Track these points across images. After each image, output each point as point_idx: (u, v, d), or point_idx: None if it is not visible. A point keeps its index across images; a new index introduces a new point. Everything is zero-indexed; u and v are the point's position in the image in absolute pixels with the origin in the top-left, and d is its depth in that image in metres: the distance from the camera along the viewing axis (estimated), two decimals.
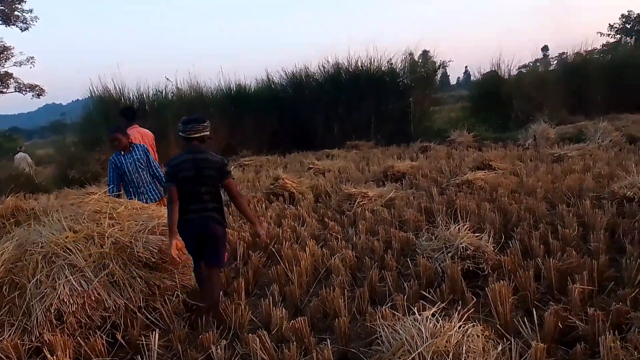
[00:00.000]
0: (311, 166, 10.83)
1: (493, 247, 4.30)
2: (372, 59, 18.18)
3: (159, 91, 17.24)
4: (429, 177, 8.31)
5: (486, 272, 3.98)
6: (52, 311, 3.44)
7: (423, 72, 18.34)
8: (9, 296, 3.65)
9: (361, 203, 6.48)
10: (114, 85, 16.26)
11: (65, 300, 3.47)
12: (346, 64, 18.63)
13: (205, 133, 3.87)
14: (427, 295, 3.61)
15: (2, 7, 37.76)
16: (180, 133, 3.87)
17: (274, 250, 4.97)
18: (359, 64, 18.36)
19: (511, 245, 4.39)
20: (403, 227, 5.55)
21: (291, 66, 19.91)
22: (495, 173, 7.82)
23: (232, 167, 11.25)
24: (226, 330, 3.50)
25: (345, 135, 16.64)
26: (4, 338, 3.35)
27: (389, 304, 3.51)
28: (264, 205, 7.26)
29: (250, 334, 3.20)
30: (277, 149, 16.05)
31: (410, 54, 18.56)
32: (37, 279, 3.62)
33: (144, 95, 16.85)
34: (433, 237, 4.53)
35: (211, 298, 3.76)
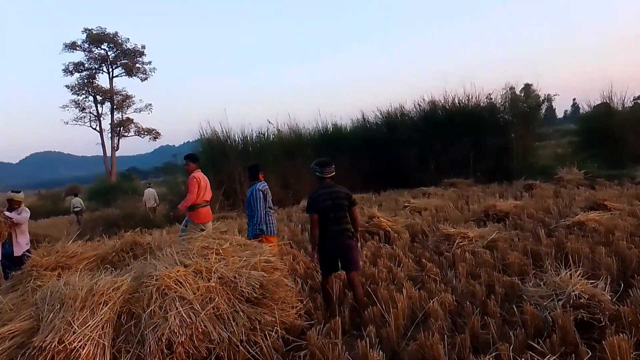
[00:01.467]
0: (407, 204, 10.71)
1: (610, 295, 3.93)
2: (470, 95, 17.87)
3: (261, 133, 18.23)
4: (535, 217, 7.85)
5: (603, 324, 3.63)
6: (164, 341, 3.68)
7: (525, 106, 17.64)
8: (126, 325, 3.97)
9: (461, 244, 6.27)
10: (221, 129, 17.47)
11: (175, 330, 3.70)
12: (442, 101, 18.49)
13: (334, 173, 5.09)
14: (535, 345, 3.37)
15: (126, 61, 42.63)
16: (317, 173, 5.06)
17: (369, 290, 4.94)
18: (456, 101, 18.14)
19: (631, 294, 3.99)
20: (507, 271, 5.27)
21: (386, 105, 20.18)
22: (610, 214, 7.20)
23: None
24: None
25: (441, 172, 16.32)
26: None
27: (493, 353, 3.33)
28: (358, 244, 7.27)
29: None
30: (371, 187, 16.09)
31: (512, 89, 18.00)
32: (151, 310, 3.91)
33: (248, 138, 17.88)
34: (541, 283, 4.25)
35: (358, 294, 4.72)
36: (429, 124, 17.99)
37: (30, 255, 6.38)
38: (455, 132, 16.98)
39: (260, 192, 6.02)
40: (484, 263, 5.53)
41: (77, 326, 3.66)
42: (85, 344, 3.59)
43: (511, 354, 3.19)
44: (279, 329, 4.08)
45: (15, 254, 6.81)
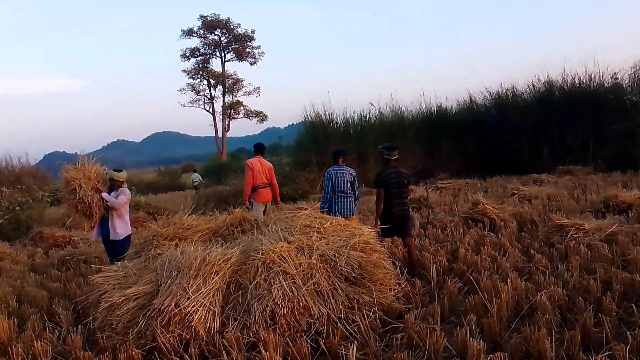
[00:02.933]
0: (515, 192, 10.15)
1: None
2: (592, 75, 16.31)
3: (363, 116, 18.23)
4: None
5: None
6: (267, 312, 3.90)
7: None
8: (234, 294, 4.25)
9: (575, 236, 5.83)
10: (324, 111, 17.75)
11: (278, 303, 3.89)
12: (560, 81, 17.09)
13: (397, 156, 5.99)
14: None
15: (237, 46, 44.66)
16: (384, 155, 5.97)
17: (471, 278, 4.79)
18: (576, 81, 16.65)
19: None
20: (627, 267, 4.82)
21: (496, 86, 19.12)
22: None
23: (430, 190, 11.20)
24: (420, 353, 3.50)
25: (555, 159, 15.21)
26: (228, 330, 3.90)
27: (606, 352, 3.09)
28: (461, 231, 7.05)
29: None
30: (477, 173, 15.42)
31: None
32: (256, 282, 4.14)
33: (349, 120, 17.99)
34: None
35: (413, 256, 5.60)
36: (544, 106, 16.74)
37: (128, 245, 6.40)
38: (573, 115, 15.67)
39: (328, 175, 6.53)
40: (601, 257, 5.10)
41: (191, 292, 4.00)
42: (198, 310, 3.91)
43: (627, 355, 2.93)
44: (376, 309, 4.13)
45: (111, 237, 6.45)
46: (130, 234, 6.73)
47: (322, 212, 5.82)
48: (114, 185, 6.57)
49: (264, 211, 7.48)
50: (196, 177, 23.91)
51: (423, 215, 8.79)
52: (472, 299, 4.23)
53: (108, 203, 6.34)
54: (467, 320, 3.85)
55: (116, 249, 6.34)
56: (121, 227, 6.53)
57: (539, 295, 4.12)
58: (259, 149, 7.78)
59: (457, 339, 3.59)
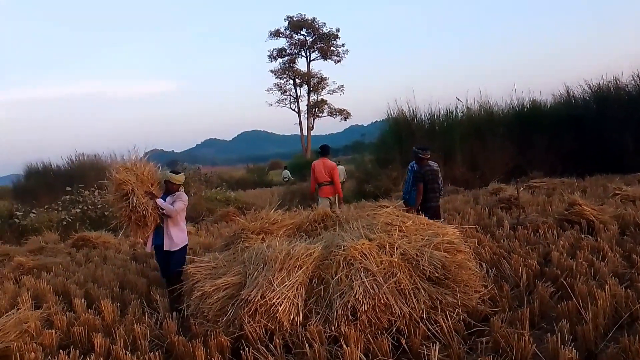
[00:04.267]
0: (618, 192, 9.36)
1: None
2: None
3: (449, 112, 17.70)
4: None
5: None
6: (349, 307, 3.95)
7: None
8: (317, 288, 4.35)
9: None
10: (408, 108, 17.48)
11: (359, 299, 3.93)
12: None
13: (430, 155, 6.93)
14: None
15: (322, 45, 45.21)
16: (419, 155, 6.84)
17: (565, 283, 4.52)
18: None
19: None
20: None
21: (596, 78, 17.69)
22: None
23: (521, 189, 10.66)
24: (507, 358, 3.38)
25: None
26: (311, 323, 4.00)
27: None
28: (555, 233, 6.65)
29: None
30: (574, 171, 14.38)
31: None
32: (338, 277, 4.21)
33: (435, 116, 17.56)
34: None
35: None
36: None
37: (184, 256, 5.49)
38: None
39: (411, 169, 7.12)
40: None
41: (276, 285, 4.15)
42: (282, 302, 4.06)
43: None
44: (460, 311, 4.04)
45: (165, 248, 5.54)
46: (187, 245, 5.86)
47: (404, 202, 6.99)
48: (170, 189, 5.63)
49: (331, 205, 8.32)
50: (286, 173, 25.59)
51: (513, 216, 8.39)
52: (566, 305, 4.00)
53: (164, 211, 5.42)
54: (559, 327, 3.65)
55: (171, 261, 5.55)
56: (178, 236, 5.62)
57: None
58: (324, 151, 8.71)
59: (547, 346, 3.41)
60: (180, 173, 5.75)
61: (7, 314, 4.85)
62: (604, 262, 5.09)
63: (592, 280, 4.59)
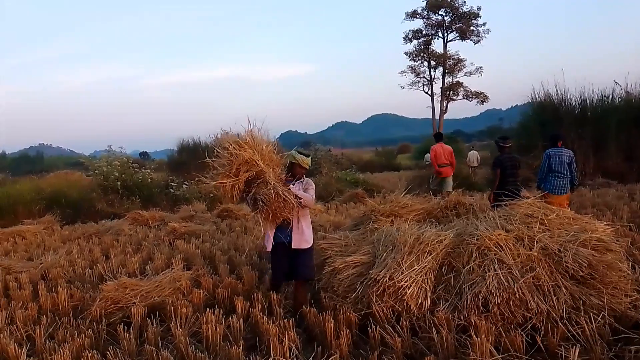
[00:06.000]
0: None
1: None
2: None
3: (604, 96, 15.85)
4: None
5: None
6: (480, 298, 3.84)
7: None
8: (446, 276, 4.29)
9: None
10: (556, 91, 16.04)
11: (492, 291, 3.80)
12: None
13: (511, 144, 7.77)
14: None
15: (461, 24, 43.19)
16: (500, 144, 7.74)
17: None
18: None
19: None
20: None
21: None
22: None
23: None
24: None
25: None
26: (439, 310, 3.97)
27: None
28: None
29: None
30: None
31: None
32: (470, 267, 4.10)
33: (587, 101, 15.87)
34: None
35: None
36: None
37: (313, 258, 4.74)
38: None
39: (546, 156, 7.38)
40: None
41: (405, 268, 4.19)
42: (410, 285, 4.08)
43: None
44: (606, 315, 3.69)
45: (294, 246, 4.53)
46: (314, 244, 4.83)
47: (538, 187, 7.53)
48: (295, 173, 4.66)
49: (448, 184, 10.02)
50: (428, 156, 24.30)
51: None
52: None
53: (301, 200, 4.42)
54: None
55: (299, 262, 4.56)
56: (308, 232, 4.64)
57: None
58: (438, 137, 10.47)
59: None
60: (309, 156, 4.78)
61: (163, 272, 5.55)
62: None
63: None
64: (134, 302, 4.76)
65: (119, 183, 14.64)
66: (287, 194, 4.26)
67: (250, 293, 5.16)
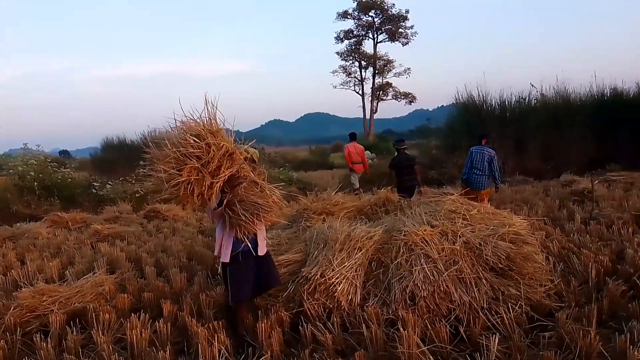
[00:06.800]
0: None
1: None
2: None
3: (522, 98, 16.90)
4: None
5: None
6: (408, 292, 3.96)
7: None
8: (375, 271, 4.39)
9: None
10: (478, 93, 16.88)
11: (419, 285, 3.94)
12: None
13: (405, 146, 8.90)
14: None
15: (390, 26, 44.37)
16: (396, 147, 8.86)
17: (638, 282, 4.28)
18: None
19: None
20: None
21: None
22: None
23: (597, 182, 10.07)
24: (570, 355, 3.26)
25: None
26: (369, 305, 4.05)
27: None
28: (630, 230, 6.26)
29: None
30: None
31: None
32: (398, 262, 4.22)
33: (506, 102, 16.84)
34: None
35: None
36: None
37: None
38: None
39: (470, 153, 7.99)
40: None
41: (336, 265, 4.23)
42: (341, 282, 4.13)
43: None
44: (523, 304, 3.93)
45: (259, 252, 3.90)
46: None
47: (462, 182, 8.17)
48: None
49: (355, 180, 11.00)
50: (369, 154, 24.95)
51: (585, 210, 7.98)
52: (637, 304, 3.79)
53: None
54: (629, 327, 3.47)
55: (268, 269, 4.01)
56: (264, 236, 4.05)
57: None
58: (352, 136, 11.27)
59: (614, 346, 3.26)
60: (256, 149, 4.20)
61: (84, 277, 5.26)
62: None
63: None
64: (52, 310, 4.48)
65: (36, 183, 13.75)
66: (274, 194, 3.71)
67: (178, 296, 5.02)
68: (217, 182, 3.50)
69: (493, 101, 16.84)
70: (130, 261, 6.71)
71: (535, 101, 17.02)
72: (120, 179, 15.37)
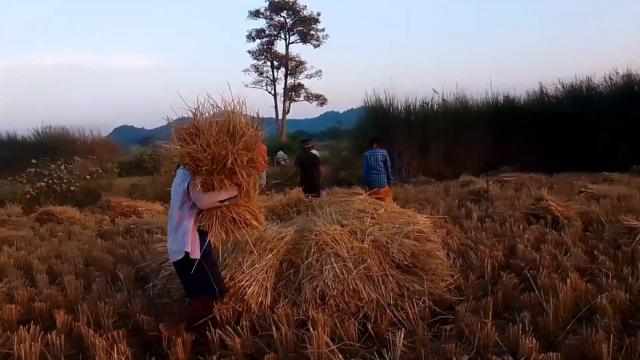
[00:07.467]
0: (583, 190, 9.64)
1: None
2: None
3: (425, 103, 17.82)
4: None
5: None
6: (318, 291, 3.97)
7: None
8: (287, 272, 4.36)
9: None
10: (385, 97, 17.53)
11: (329, 284, 3.96)
12: None
13: (309, 145, 9.42)
14: None
15: (302, 28, 44.75)
16: (301, 145, 9.52)
17: (529, 275, 4.64)
18: None
19: None
20: None
21: (570, 78, 18.12)
22: None
23: (491, 182, 10.86)
24: (469, 346, 3.45)
25: (631, 158, 14.24)
26: (279, 306, 4.01)
27: None
28: (521, 226, 6.81)
29: (494, 356, 3.09)
30: (544, 167, 14.73)
31: None
32: (309, 262, 4.23)
33: (411, 107, 17.66)
34: None
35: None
36: (621, 101, 15.73)
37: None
38: None
39: (365, 157, 8.65)
40: None
41: (246, 267, 4.14)
42: (252, 284, 4.05)
43: None
44: (426, 299, 4.10)
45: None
46: None
47: (363, 184, 8.51)
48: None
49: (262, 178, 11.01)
50: (282, 154, 24.59)
51: (481, 208, 8.55)
52: (528, 296, 4.10)
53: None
54: (521, 317, 3.74)
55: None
56: None
57: (600, 298, 3.93)
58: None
59: (508, 335, 3.50)
60: None
61: None
62: (566, 256, 5.24)
63: (554, 273, 4.71)
64: None
65: None
66: (260, 213, 3.82)
67: (74, 305, 4.63)
68: (241, 172, 3.48)
69: (399, 105, 17.61)
70: (19, 268, 6.11)
71: (438, 106, 18.04)
72: (9, 178, 14.04)
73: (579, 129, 15.98)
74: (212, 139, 3.36)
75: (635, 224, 5.81)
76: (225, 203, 3.56)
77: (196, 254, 3.64)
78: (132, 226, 8.46)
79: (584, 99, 17.33)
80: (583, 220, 7.00)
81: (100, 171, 15.63)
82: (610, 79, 16.93)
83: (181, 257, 3.65)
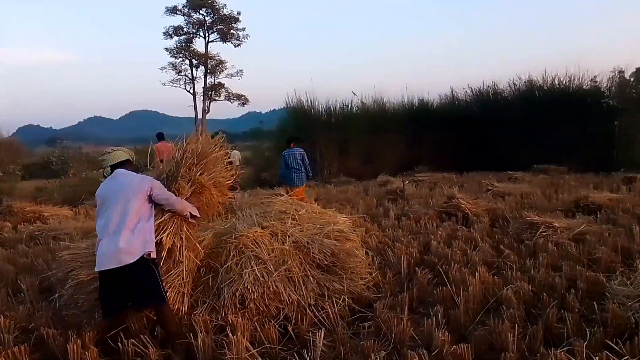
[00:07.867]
0: (490, 188, 10.30)
1: None
2: (572, 77, 16.61)
3: (345, 105, 18.18)
4: (632, 212, 7.25)
5: None
6: (237, 296, 3.90)
7: (634, 92, 16.09)
8: (204, 277, 4.23)
9: (544, 234, 5.95)
10: (306, 98, 17.67)
11: (248, 287, 3.90)
12: (541, 81, 17.38)
13: (293, 143, 8.95)
14: (613, 346, 3.16)
15: (222, 27, 43.90)
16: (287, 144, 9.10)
17: (441, 270, 4.87)
18: (556, 82, 16.94)
19: None
20: (592, 266, 4.95)
21: (478, 83, 19.35)
22: None
23: (407, 182, 11.30)
24: (387, 342, 3.54)
25: (532, 158, 15.44)
26: (197, 313, 3.89)
27: (566, 347, 3.17)
28: (435, 224, 7.14)
29: (410, 351, 3.20)
30: (455, 167, 15.60)
31: (621, 72, 16.46)
32: (228, 266, 4.13)
33: (332, 108, 17.93)
34: (628, 282, 3.95)
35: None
36: (524, 105, 17.04)
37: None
38: (552, 115, 15.91)
39: (283, 157, 8.89)
40: (568, 256, 5.22)
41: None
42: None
43: (585, 351, 3.02)
44: (346, 297, 4.17)
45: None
46: None
47: (280, 182, 8.90)
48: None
49: None
50: (237, 154, 23.35)
51: (398, 207, 8.86)
52: (441, 290, 4.30)
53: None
54: (434, 311, 3.91)
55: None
56: None
57: (506, 289, 4.21)
58: (160, 136, 11.12)
59: (423, 329, 3.64)
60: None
61: None
62: (475, 251, 5.57)
63: (465, 267, 4.98)
64: None
65: None
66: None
67: None
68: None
69: (320, 107, 17.82)
70: None
71: (357, 109, 18.48)
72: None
73: (486, 131, 17.09)
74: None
75: (536, 220, 6.29)
76: (188, 218, 3.96)
77: (154, 254, 3.64)
78: (36, 233, 7.84)
79: (490, 103, 18.56)
80: (490, 216, 7.47)
81: (1, 174, 14.36)
82: (514, 84, 18.28)
83: (136, 259, 3.51)
